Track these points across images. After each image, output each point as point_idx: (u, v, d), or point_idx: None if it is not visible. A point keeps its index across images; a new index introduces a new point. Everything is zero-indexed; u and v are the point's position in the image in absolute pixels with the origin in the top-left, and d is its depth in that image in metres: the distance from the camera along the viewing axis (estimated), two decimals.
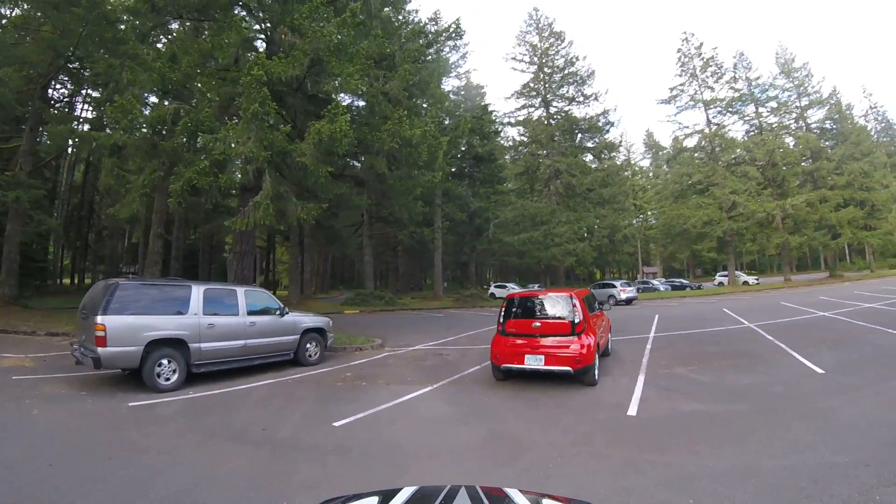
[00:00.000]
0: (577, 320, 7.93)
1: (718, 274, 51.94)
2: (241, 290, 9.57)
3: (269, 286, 56.10)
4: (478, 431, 5.92)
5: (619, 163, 49.27)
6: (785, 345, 11.13)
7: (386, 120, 12.37)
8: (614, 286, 32.35)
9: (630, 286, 33.51)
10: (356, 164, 18.64)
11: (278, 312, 10.09)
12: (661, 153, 61.57)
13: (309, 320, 10.88)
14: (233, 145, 10.36)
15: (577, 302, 8.13)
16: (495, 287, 42.55)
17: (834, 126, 45.66)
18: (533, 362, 7.85)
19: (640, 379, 8.59)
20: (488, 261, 63.86)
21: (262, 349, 9.61)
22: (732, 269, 43.07)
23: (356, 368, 10.38)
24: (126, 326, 7.88)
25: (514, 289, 40.57)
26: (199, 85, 12.81)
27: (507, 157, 48.97)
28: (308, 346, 10.66)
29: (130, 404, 7.27)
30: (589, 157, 44.74)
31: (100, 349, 7.68)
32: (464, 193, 40.94)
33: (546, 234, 35.08)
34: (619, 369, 9.51)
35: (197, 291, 8.83)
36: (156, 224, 22.43)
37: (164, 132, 12.84)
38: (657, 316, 20.75)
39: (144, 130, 13.03)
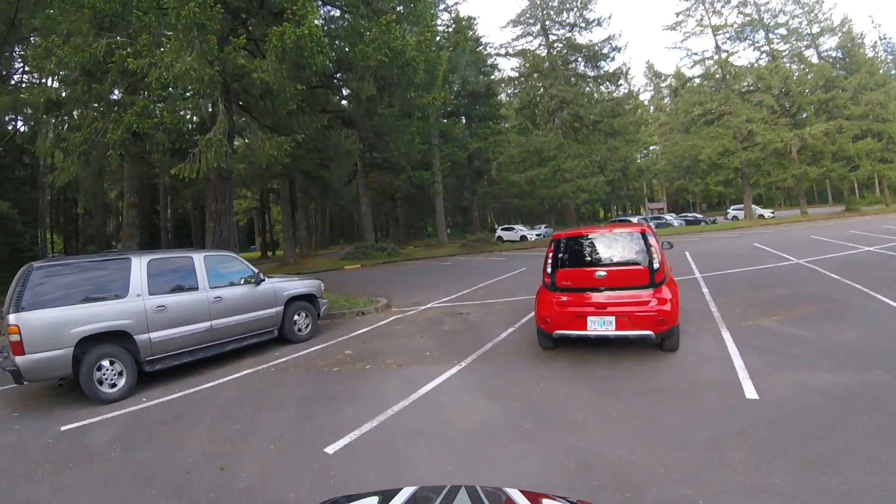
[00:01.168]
0: (655, 266, 5.77)
1: (732, 208, 49.85)
2: (198, 257, 7.36)
3: (267, 248, 54.38)
4: (551, 453, 3.82)
5: (624, 94, 45.63)
6: (859, 285, 9.31)
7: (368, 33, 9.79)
8: (630, 222, 30.23)
9: (649, 222, 31.39)
10: (343, 103, 16.11)
11: (252, 281, 7.93)
12: (664, 84, 57.74)
13: (294, 286, 8.74)
14: (176, 68, 7.85)
15: (652, 241, 5.96)
16: (502, 230, 40.45)
17: (845, 56, 42.60)
18: (599, 326, 5.75)
19: (727, 337, 6.60)
20: (490, 204, 61.43)
21: (235, 330, 7.52)
22: (749, 203, 40.93)
23: (357, 342, 8.32)
24: (47, 323, 5.77)
25: (522, 231, 38.51)
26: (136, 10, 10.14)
27: (504, 94, 45.68)
28: (296, 318, 8.58)
29: (62, 428, 5.24)
30: (594, 87, 41.46)
31: (17, 358, 5.62)
32: (461, 135, 38.12)
33: (554, 170, 32.44)
34: (690, 323, 7.47)
35: (138, 265, 6.64)
36: (128, 192, 20.08)
37: (98, 75, 10.27)
38: (688, 253, 18.75)
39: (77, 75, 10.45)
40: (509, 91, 45.20)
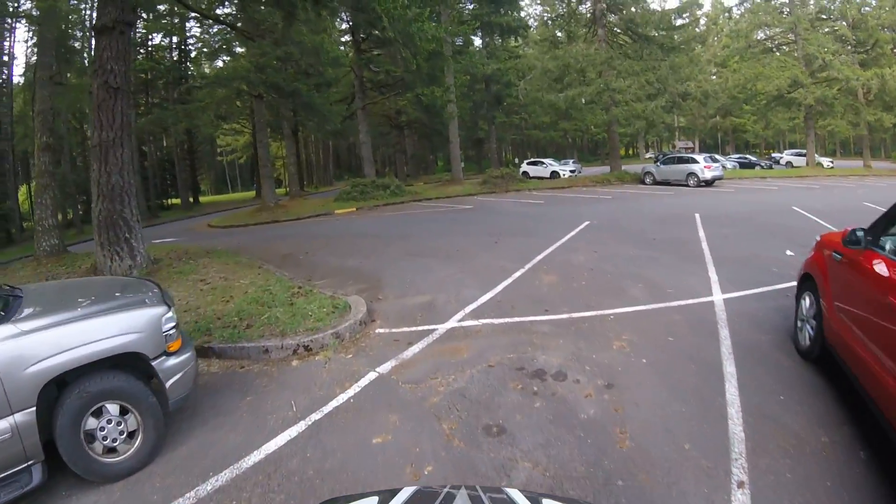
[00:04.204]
0: None
1: (787, 152, 43.49)
2: None
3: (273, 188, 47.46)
4: None
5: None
6: None
7: None
8: (695, 161, 23.93)
9: (716, 161, 25.03)
10: None
11: None
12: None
13: (74, 337, 2.90)
14: None
15: None
16: (528, 164, 33.96)
17: None
18: None
19: None
20: (507, 136, 54.33)
21: None
22: (812, 148, 34.86)
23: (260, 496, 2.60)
24: None
25: (553, 166, 32.09)
26: None
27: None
28: (97, 423, 2.93)
29: None
30: None
31: None
32: (475, 53, 30.83)
33: (600, 90, 25.47)
34: None
35: None
36: (39, 131, 13.89)
37: None
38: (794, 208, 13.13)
39: None
40: None
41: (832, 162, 38.64)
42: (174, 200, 39.87)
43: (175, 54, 34.56)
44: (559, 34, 33.33)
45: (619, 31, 29.07)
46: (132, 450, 3.11)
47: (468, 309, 5.85)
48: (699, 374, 3.99)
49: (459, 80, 23.69)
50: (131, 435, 3.12)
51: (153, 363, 3.19)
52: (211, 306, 5.92)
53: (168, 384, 3.25)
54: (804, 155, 36.95)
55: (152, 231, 20.74)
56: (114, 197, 7.77)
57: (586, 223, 12.06)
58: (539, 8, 37.41)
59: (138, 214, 8.24)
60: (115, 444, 3.05)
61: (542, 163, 33.10)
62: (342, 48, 28.95)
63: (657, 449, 3.05)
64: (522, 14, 34.03)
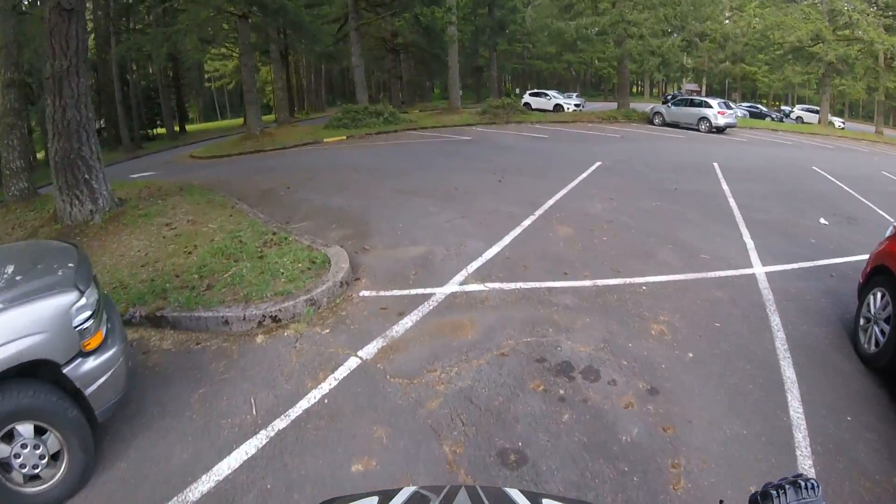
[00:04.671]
0: None
1: (798, 107, 41.52)
2: None
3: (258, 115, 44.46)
4: None
5: None
6: None
7: None
8: (709, 105, 22.62)
9: (730, 108, 23.66)
10: None
11: None
12: None
13: None
14: None
15: None
16: (531, 95, 31.86)
17: None
18: None
19: None
20: (508, 65, 51.57)
21: None
22: (826, 107, 32.96)
23: None
24: None
25: (557, 98, 30.35)
26: None
27: None
28: (5, 452, 2.10)
29: None
30: None
31: None
32: None
33: (616, 20, 23.46)
34: None
35: None
36: (2, 66, 12.13)
37: None
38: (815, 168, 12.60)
39: None
40: None
41: (843, 123, 37.29)
42: (160, 130, 37.74)
43: None
44: None
45: None
46: (59, 474, 2.36)
47: (472, 267, 5.02)
48: (756, 380, 3.27)
49: (462, 1, 21.70)
50: (55, 457, 2.35)
51: (65, 370, 2.35)
52: (171, 259, 5.04)
53: (89, 392, 2.43)
54: (816, 111, 35.23)
55: (132, 165, 19.57)
56: (70, 134, 6.65)
57: (597, 164, 11.07)
58: None
59: (99, 151, 7.12)
60: (37, 471, 2.30)
61: (546, 94, 31.14)
62: None
63: (719, 491, 2.34)
64: None
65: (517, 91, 47.22)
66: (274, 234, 5.60)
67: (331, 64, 47.94)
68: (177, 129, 36.55)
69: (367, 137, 18.92)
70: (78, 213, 6.86)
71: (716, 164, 11.99)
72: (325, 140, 18.88)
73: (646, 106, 26.53)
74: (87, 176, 6.85)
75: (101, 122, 33.05)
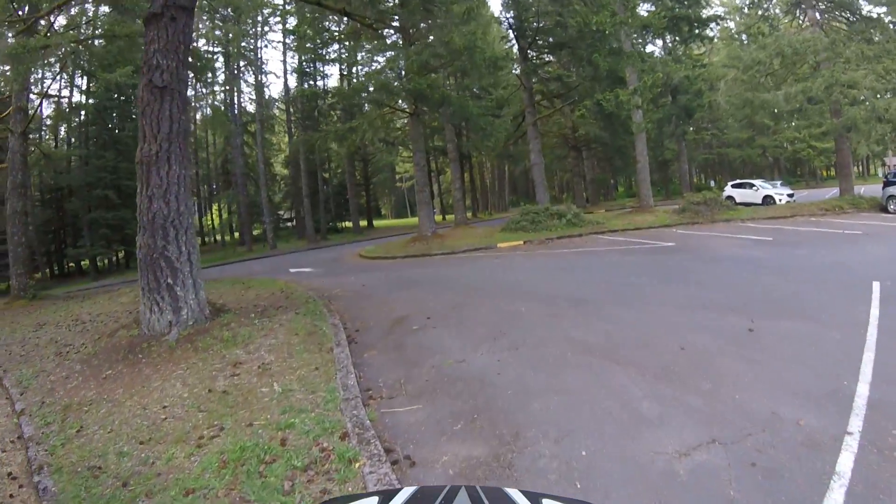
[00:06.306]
0: None
1: None
2: None
3: (430, 216, 46.54)
4: None
5: None
6: None
7: None
8: None
9: None
10: None
11: None
12: None
13: None
14: None
15: None
16: (733, 187, 26.83)
17: None
18: None
19: None
20: (696, 156, 46.11)
21: None
22: None
23: None
24: None
25: (765, 189, 24.99)
26: None
27: None
28: None
29: None
30: None
31: None
32: (655, 58, 25.82)
33: (828, 83, 18.20)
34: None
35: None
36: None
37: None
38: None
39: None
40: None
41: None
42: (348, 224, 40.98)
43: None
44: (762, 14, 26.18)
45: (833, 11, 21.35)
46: None
47: None
48: None
49: (647, 83, 19.04)
50: None
51: None
52: (177, 446, 3.04)
53: None
54: None
55: (303, 257, 20.35)
56: (154, 229, 5.64)
57: (876, 285, 6.67)
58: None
59: (192, 252, 5.98)
60: None
61: (752, 185, 25.84)
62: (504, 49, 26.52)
63: None
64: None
65: (711, 184, 41.67)
66: (341, 437, 3.20)
67: (513, 164, 48.56)
68: (363, 223, 38.77)
69: (547, 243, 16.53)
70: (156, 322, 5.65)
71: None
72: (498, 245, 17.09)
73: (861, 189, 20.03)
74: (169, 280, 5.65)
75: (291, 213, 38.89)
